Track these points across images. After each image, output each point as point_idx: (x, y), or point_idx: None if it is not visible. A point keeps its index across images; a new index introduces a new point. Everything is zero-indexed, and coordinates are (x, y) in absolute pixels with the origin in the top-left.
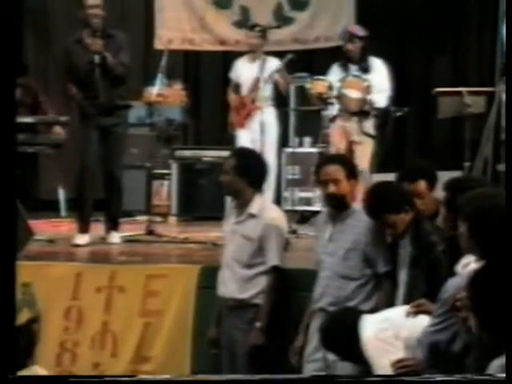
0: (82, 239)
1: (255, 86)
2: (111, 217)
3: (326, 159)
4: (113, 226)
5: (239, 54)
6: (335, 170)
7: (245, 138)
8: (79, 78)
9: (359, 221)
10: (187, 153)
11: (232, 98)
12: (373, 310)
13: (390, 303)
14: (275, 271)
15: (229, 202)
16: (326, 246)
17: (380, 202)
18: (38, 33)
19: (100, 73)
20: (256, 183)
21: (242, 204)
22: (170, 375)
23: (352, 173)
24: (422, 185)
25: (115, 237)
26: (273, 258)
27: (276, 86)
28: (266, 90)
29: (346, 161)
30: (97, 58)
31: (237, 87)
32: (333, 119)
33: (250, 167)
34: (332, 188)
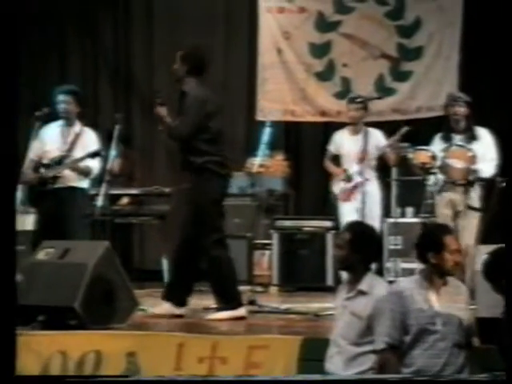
0: (180, 310)
1: (361, 160)
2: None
3: None
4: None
5: (341, 125)
6: None
7: (348, 208)
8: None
9: (460, 287)
10: (288, 223)
11: (334, 170)
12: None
13: None
14: (385, 350)
15: (344, 275)
16: (433, 315)
17: (500, 265)
18: (144, 107)
19: None
20: (369, 259)
21: (354, 279)
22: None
23: None
24: None
25: (211, 314)
26: (383, 337)
27: (383, 159)
28: (372, 163)
29: None
30: None
31: (335, 159)
32: (439, 190)
33: (365, 243)
34: None
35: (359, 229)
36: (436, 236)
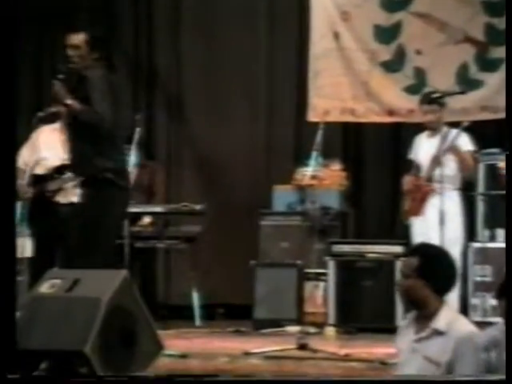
0: None
1: (434, 165)
2: None
3: None
4: None
5: (414, 127)
6: None
7: (419, 228)
8: None
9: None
10: (347, 248)
11: (406, 179)
12: None
13: None
14: None
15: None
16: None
17: None
18: (169, 108)
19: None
20: (443, 290)
21: (425, 316)
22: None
23: None
24: None
25: None
26: None
27: (460, 166)
28: (449, 170)
29: None
30: None
31: (417, 170)
32: None
33: (438, 270)
34: None
35: (429, 252)
36: None
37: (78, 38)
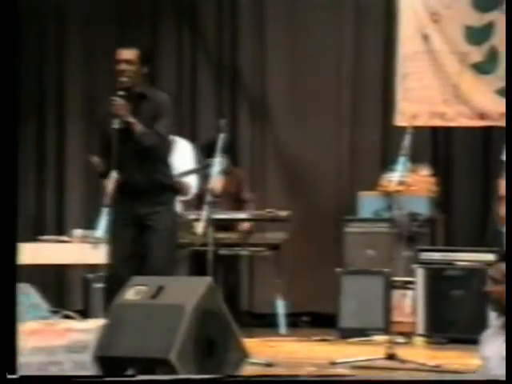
0: None
1: None
2: None
3: None
4: None
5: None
6: None
7: None
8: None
9: None
10: (436, 255)
11: (502, 184)
12: None
13: None
14: None
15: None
16: None
17: None
18: (253, 112)
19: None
20: None
21: None
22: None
23: None
24: None
25: None
26: None
27: None
28: None
29: None
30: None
31: None
32: None
33: None
34: None
35: None
36: None
37: (132, 53)
